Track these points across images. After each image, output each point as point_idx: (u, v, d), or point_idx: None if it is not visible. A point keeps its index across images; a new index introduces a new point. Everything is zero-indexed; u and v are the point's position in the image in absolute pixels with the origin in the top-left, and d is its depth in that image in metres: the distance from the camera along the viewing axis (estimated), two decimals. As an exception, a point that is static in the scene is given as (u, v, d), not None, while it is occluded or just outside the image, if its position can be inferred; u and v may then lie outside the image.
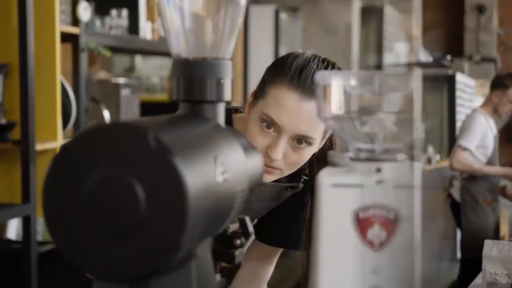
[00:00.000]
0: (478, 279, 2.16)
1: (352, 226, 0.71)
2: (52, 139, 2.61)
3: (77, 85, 2.79)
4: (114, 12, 3.13)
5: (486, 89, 8.49)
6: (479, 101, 8.37)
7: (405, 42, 6.97)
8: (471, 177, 4.29)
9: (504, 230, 5.10)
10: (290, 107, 1.23)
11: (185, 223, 0.63)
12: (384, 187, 0.71)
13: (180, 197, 0.64)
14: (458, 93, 7.04)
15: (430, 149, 6.41)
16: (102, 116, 2.96)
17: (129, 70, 5.25)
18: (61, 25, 2.66)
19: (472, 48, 9.12)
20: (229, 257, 0.82)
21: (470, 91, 7.62)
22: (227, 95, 0.87)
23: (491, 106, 4.32)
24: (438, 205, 6.14)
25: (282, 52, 5.61)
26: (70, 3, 2.76)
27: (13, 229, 2.68)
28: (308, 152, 1.27)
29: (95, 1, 3.05)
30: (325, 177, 0.73)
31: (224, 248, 0.83)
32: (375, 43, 7.32)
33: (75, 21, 2.78)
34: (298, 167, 1.29)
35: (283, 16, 5.16)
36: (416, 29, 5.63)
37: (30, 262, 2.43)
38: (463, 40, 9.47)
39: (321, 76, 0.74)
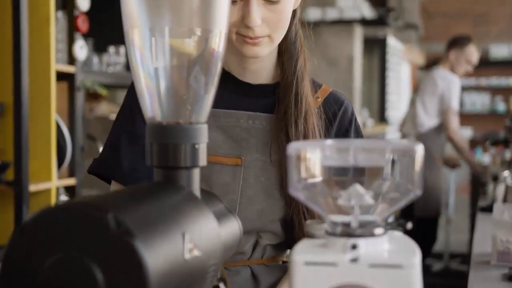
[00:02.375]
0: (486, 248, 1.92)
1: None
2: (47, 180, 2.58)
3: (72, 124, 2.77)
4: (112, 49, 3.13)
5: (414, 55, 8.58)
6: (406, 66, 8.50)
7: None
8: (427, 134, 4.31)
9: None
10: None
11: (144, 312, 0.60)
12: (359, 266, 0.68)
13: (141, 281, 0.61)
14: (388, 57, 7.12)
15: (365, 113, 6.46)
16: (98, 154, 2.94)
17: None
18: (57, 64, 2.65)
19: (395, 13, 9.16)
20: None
21: (399, 55, 7.75)
22: (203, 160, 0.84)
23: (449, 66, 4.52)
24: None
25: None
26: (67, 41, 2.76)
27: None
28: (286, 5, 1.17)
29: (94, 38, 3.04)
30: (299, 255, 0.70)
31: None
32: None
33: (72, 59, 2.77)
34: (286, 27, 1.20)
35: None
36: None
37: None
38: (386, 5, 9.53)
39: (293, 147, 0.72)
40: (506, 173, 3.11)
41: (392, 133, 7.57)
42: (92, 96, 3.63)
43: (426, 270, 5.19)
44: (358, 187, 0.72)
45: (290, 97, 1.23)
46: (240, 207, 1.21)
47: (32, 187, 2.49)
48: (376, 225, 0.72)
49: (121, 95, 4.93)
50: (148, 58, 0.82)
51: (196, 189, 0.84)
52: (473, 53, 4.52)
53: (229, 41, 1.20)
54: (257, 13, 1.14)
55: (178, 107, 0.84)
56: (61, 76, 2.72)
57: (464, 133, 10.21)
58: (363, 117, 6.28)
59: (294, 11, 1.25)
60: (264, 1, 1.15)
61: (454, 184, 6.03)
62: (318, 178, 0.72)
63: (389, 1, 9.66)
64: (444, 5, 10.19)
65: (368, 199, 0.71)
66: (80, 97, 2.78)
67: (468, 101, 10.23)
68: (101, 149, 2.97)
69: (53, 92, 2.57)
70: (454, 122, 4.28)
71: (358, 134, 1.30)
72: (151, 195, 0.74)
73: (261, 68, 1.27)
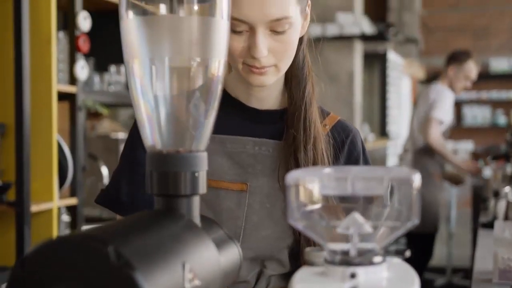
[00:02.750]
0: (487, 265, 1.89)
1: None
2: (48, 200, 2.58)
3: (74, 144, 2.78)
4: (113, 68, 3.15)
5: (414, 69, 8.61)
6: (406, 80, 8.54)
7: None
8: (424, 150, 4.29)
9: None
10: None
11: None
12: (358, 295, 0.68)
13: (141, 313, 0.62)
14: (388, 72, 7.14)
15: (366, 128, 6.47)
16: (100, 173, 2.95)
17: (134, 117, 5.26)
18: (58, 84, 2.66)
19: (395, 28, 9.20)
20: None
21: (399, 70, 7.77)
22: (203, 188, 0.85)
23: (447, 81, 4.50)
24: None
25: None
26: (68, 61, 2.77)
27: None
28: (293, 35, 1.16)
29: (95, 58, 3.06)
30: (298, 283, 0.70)
31: None
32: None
33: (73, 79, 2.78)
34: (292, 56, 1.18)
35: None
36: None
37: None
38: (386, 20, 9.57)
39: (291, 176, 0.72)
40: (507, 189, 3.10)
41: (393, 147, 7.58)
42: (94, 114, 3.65)
43: (429, 285, 5.18)
44: (357, 216, 0.72)
45: (299, 123, 1.22)
46: (245, 233, 1.20)
47: (34, 208, 2.50)
48: (375, 253, 0.72)
49: (122, 113, 4.96)
50: (148, 87, 0.83)
51: (196, 216, 0.84)
52: (472, 69, 4.52)
53: (236, 69, 1.20)
54: (264, 44, 1.13)
55: (178, 135, 0.85)
56: (62, 96, 2.73)
57: (465, 147, 10.22)
58: (364, 132, 6.30)
59: (301, 38, 1.24)
60: (270, 31, 1.14)
61: (455, 197, 6.03)
62: (317, 207, 0.73)
63: (388, 16, 9.73)
64: (444, 19, 10.25)
65: (367, 227, 0.71)
66: (81, 116, 2.79)
67: (469, 114, 10.26)
68: (102, 168, 2.98)
69: (54, 112, 2.59)
70: (434, 129, 4.23)
71: (367, 164, 1.30)
72: (151, 225, 0.75)
73: (267, 95, 1.27)
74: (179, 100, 0.84)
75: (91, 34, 2.88)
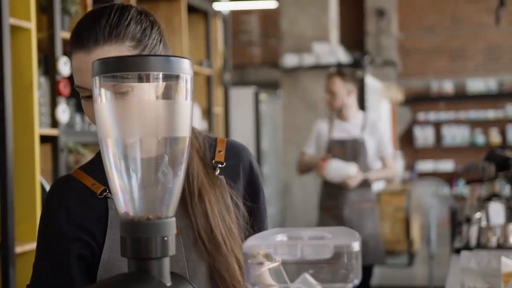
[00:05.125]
0: None
1: None
2: (32, 240, 2.65)
3: (57, 184, 2.85)
4: (93, 108, 3.23)
5: (392, 92, 8.74)
6: (385, 103, 8.69)
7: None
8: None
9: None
10: (78, 67, 1.19)
11: None
12: None
13: None
14: (367, 96, 7.25)
15: None
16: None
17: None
18: (40, 128, 2.75)
19: (373, 52, 9.36)
20: None
21: (378, 93, 7.89)
22: (172, 250, 0.94)
23: None
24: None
25: (263, 130, 5.77)
26: (50, 105, 2.86)
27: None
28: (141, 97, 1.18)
29: (76, 98, 3.15)
30: None
31: None
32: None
33: (55, 122, 2.87)
34: None
35: (263, 96, 5.30)
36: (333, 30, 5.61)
37: None
38: (364, 44, 9.77)
39: (247, 246, 0.82)
40: (478, 214, 3.19)
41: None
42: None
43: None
44: (308, 276, 0.82)
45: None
46: (189, 272, 1.25)
47: (18, 249, 2.57)
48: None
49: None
50: (120, 162, 0.93)
51: (167, 276, 0.94)
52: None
53: None
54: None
55: (148, 203, 0.94)
56: (44, 138, 2.82)
57: (445, 166, 10.38)
58: (344, 157, 6.39)
59: None
60: None
61: (435, 218, 6.15)
62: (271, 271, 0.83)
63: (366, 39, 9.92)
64: (420, 41, 10.46)
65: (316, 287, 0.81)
66: (63, 158, 2.87)
67: (448, 134, 10.43)
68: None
69: (37, 155, 2.67)
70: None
71: (258, 177, 1.36)
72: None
73: None
74: (149, 173, 0.94)
75: (71, 75, 2.97)
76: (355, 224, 4.02)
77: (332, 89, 4.05)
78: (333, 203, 4.12)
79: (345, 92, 4.02)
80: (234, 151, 1.36)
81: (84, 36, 1.19)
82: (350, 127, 4.09)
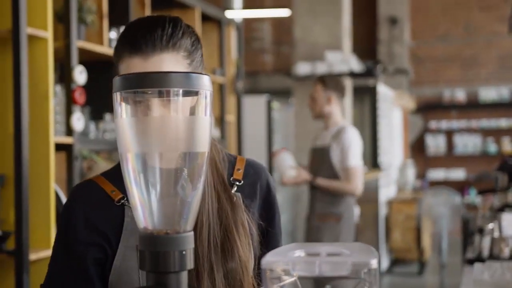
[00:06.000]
0: None
1: None
2: (46, 247, 2.68)
3: (71, 192, 2.88)
4: (108, 116, 3.26)
5: (404, 100, 8.71)
6: (397, 111, 8.68)
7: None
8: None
9: None
10: (137, 70, 1.20)
11: None
12: None
13: None
14: (378, 104, 7.24)
15: None
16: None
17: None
18: (55, 136, 2.77)
19: (385, 60, 9.33)
20: None
21: (390, 101, 7.88)
22: (190, 264, 0.95)
23: None
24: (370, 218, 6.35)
25: (276, 138, 5.78)
26: (65, 113, 2.89)
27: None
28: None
29: (90, 107, 3.18)
30: None
31: None
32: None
33: (70, 131, 2.89)
34: None
35: (275, 104, 5.30)
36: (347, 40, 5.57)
37: None
38: (376, 52, 9.75)
39: (265, 262, 0.83)
40: (491, 225, 3.18)
41: (384, 178, 7.69)
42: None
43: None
44: (326, 292, 0.83)
45: None
46: (198, 278, 1.25)
47: (33, 256, 2.59)
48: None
49: (118, 154, 5.05)
50: (140, 177, 0.94)
51: (184, 289, 0.95)
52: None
53: None
54: None
55: (166, 218, 0.95)
56: (59, 146, 2.84)
57: (457, 175, 10.34)
58: (356, 165, 6.37)
59: None
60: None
61: (446, 228, 6.13)
62: (290, 287, 0.84)
63: (378, 47, 9.91)
64: (433, 50, 10.44)
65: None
66: (77, 166, 2.90)
67: (460, 143, 10.40)
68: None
69: (52, 163, 2.69)
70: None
71: (275, 199, 1.38)
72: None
73: None
74: (168, 187, 0.95)
75: (87, 85, 3.00)
76: (314, 235, 3.94)
77: (313, 95, 4.05)
78: (307, 211, 4.13)
79: (325, 99, 3.97)
80: (253, 170, 1.38)
81: (141, 42, 1.21)
82: (327, 134, 4.04)
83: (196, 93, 0.94)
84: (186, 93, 0.93)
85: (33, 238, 2.62)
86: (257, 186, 1.37)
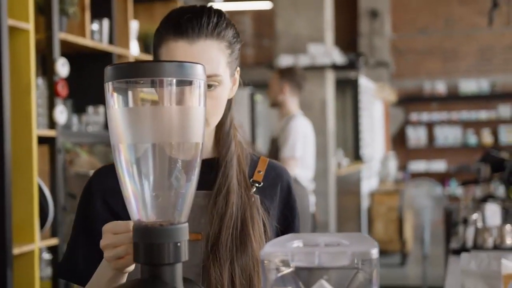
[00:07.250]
0: None
1: None
2: (30, 242, 2.65)
3: (54, 185, 2.85)
4: (91, 109, 3.23)
5: (385, 93, 8.76)
6: (378, 103, 8.73)
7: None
8: None
9: None
10: (181, 56, 1.20)
11: None
12: None
13: None
14: (360, 96, 7.28)
15: (340, 153, 6.58)
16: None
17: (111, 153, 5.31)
18: (38, 129, 2.74)
19: (366, 52, 9.37)
20: None
21: (371, 94, 7.93)
22: (184, 256, 0.93)
23: None
24: (352, 210, 6.39)
25: (259, 132, 5.78)
26: (47, 106, 2.85)
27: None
28: (222, 93, 1.24)
29: (73, 99, 3.14)
30: None
31: None
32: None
33: (52, 123, 2.86)
34: (221, 112, 1.26)
35: (258, 97, 5.28)
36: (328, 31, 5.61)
37: None
38: (357, 44, 9.80)
39: (264, 253, 0.82)
40: (475, 216, 3.19)
41: (366, 170, 7.72)
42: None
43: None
44: (324, 283, 0.82)
45: (218, 175, 1.29)
46: (203, 278, 1.25)
47: (16, 250, 2.55)
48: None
49: (100, 149, 5.01)
50: (133, 168, 0.93)
51: (179, 281, 0.93)
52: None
53: None
54: None
55: (160, 209, 0.94)
56: (42, 139, 2.80)
57: (438, 166, 10.42)
58: (338, 158, 6.42)
59: (230, 101, 1.32)
60: None
61: (429, 219, 6.16)
62: (288, 277, 0.83)
63: (359, 41, 9.93)
64: (413, 42, 10.47)
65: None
66: (60, 159, 2.86)
67: (440, 135, 10.46)
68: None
69: (34, 156, 2.66)
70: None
71: (295, 204, 1.38)
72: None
73: None
74: (162, 178, 0.94)
75: (69, 77, 2.96)
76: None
77: (270, 83, 4.11)
78: None
79: (278, 89, 4.01)
80: (274, 172, 1.37)
81: (188, 26, 1.21)
82: (279, 124, 4.08)
83: (190, 83, 0.92)
84: (180, 83, 0.92)
85: (16, 232, 2.59)
86: (277, 189, 1.36)
